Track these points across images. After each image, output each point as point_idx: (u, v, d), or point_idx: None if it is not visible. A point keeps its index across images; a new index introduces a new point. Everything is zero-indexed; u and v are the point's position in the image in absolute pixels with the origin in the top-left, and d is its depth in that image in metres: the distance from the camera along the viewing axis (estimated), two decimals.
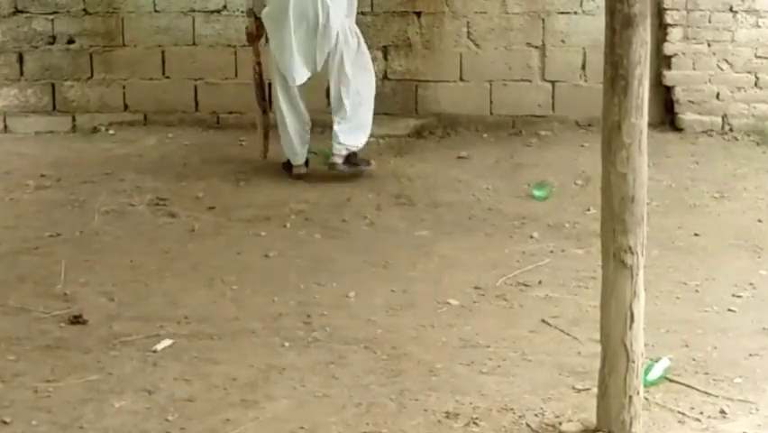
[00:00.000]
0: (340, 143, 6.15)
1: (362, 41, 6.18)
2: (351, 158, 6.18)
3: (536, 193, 5.86)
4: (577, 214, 5.55)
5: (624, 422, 3.22)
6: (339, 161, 6.16)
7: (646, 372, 3.52)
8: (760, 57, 6.97)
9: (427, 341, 4.05)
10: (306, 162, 6.23)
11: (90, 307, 4.38)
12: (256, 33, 6.23)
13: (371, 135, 6.31)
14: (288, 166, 6.24)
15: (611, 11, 3.12)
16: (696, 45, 6.99)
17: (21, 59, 7.30)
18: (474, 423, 3.41)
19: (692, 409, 3.49)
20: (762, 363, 3.82)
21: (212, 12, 7.22)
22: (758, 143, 6.83)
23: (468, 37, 7.12)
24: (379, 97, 6.39)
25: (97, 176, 6.24)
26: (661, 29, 6.95)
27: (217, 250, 5.09)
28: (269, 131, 6.39)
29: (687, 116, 7.04)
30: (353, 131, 6.15)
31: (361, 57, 6.15)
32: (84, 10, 7.24)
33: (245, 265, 4.88)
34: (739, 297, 4.46)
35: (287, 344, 4.03)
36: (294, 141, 6.17)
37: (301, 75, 6.07)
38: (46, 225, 5.44)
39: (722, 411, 3.47)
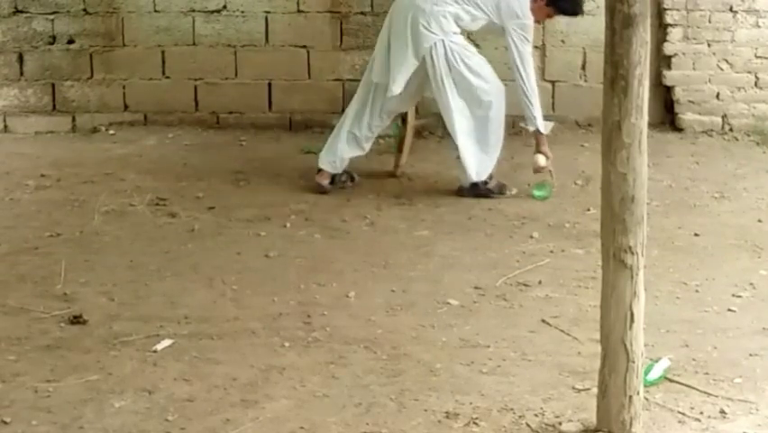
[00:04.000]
0: (464, 175, 5.81)
1: (472, 57, 5.81)
2: (474, 187, 5.81)
3: (536, 193, 5.86)
4: (577, 214, 5.55)
5: (624, 422, 3.23)
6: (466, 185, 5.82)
7: (646, 372, 3.52)
8: (760, 57, 6.98)
9: (427, 341, 4.05)
10: (333, 180, 5.93)
11: (90, 307, 4.38)
12: None
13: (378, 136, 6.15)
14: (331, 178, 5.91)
15: (611, 11, 3.13)
16: (696, 45, 6.99)
17: (21, 59, 7.29)
18: (474, 423, 3.41)
19: (692, 409, 3.49)
20: (762, 363, 3.82)
21: (212, 12, 7.21)
22: (758, 143, 6.84)
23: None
24: None
25: (97, 176, 6.24)
26: (661, 29, 6.96)
27: (217, 250, 5.09)
28: (403, 145, 6.27)
29: (687, 116, 7.04)
30: (471, 158, 5.78)
31: (464, 79, 5.74)
32: (84, 10, 7.23)
33: (245, 265, 4.88)
34: (739, 297, 4.46)
35: (287, 344, 4.02)
36: (341, 145, 5.85)
37: (383, 76, 5.69)
38: (46, 225, 5.43)
39: (722, 411, 3.47)
